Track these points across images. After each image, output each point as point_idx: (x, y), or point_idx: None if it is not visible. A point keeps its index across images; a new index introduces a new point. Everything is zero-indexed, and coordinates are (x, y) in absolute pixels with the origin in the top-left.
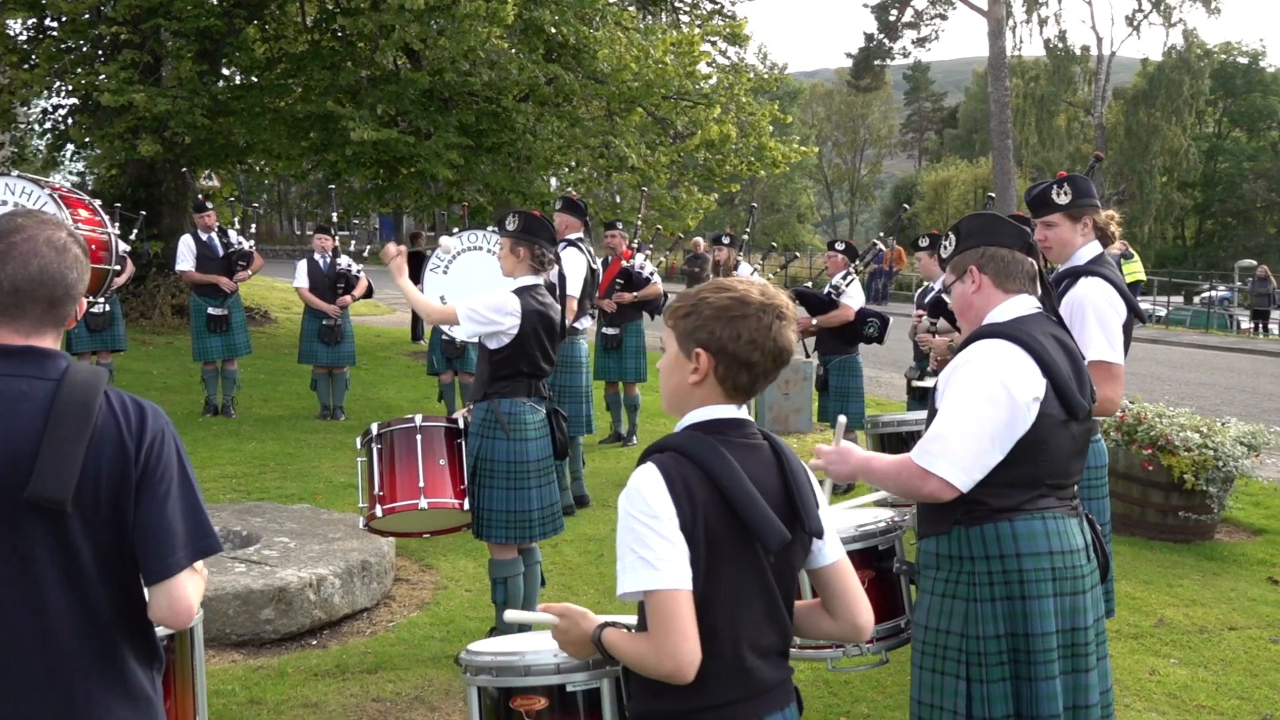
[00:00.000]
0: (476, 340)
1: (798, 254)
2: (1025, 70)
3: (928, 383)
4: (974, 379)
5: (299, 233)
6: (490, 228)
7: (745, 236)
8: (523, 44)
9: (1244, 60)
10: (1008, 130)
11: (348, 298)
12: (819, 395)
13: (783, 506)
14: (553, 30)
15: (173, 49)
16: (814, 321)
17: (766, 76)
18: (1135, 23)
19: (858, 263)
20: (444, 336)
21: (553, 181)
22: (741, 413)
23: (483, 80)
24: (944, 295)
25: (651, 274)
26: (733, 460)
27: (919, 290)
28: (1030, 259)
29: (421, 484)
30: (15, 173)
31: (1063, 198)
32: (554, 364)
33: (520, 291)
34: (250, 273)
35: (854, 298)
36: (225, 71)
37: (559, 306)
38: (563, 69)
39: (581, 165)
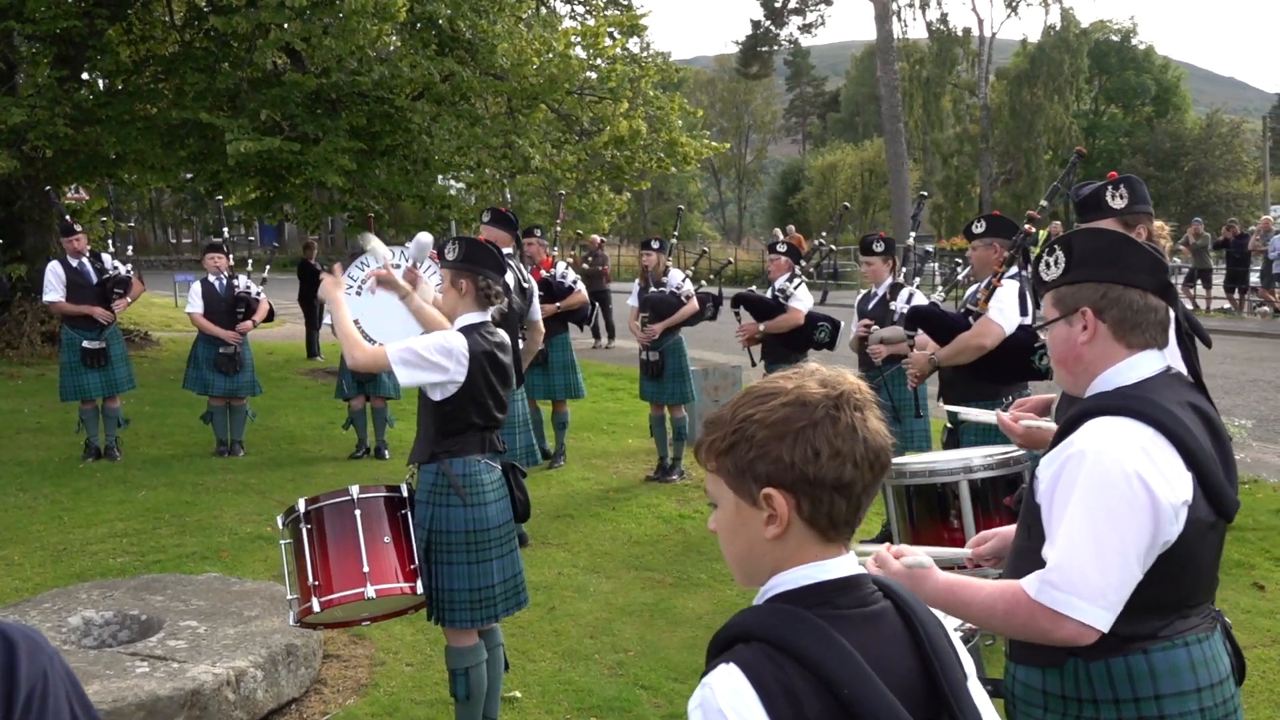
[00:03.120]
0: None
1: (706, 249)
2: (910, 53)
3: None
4: (1102, 478)
5: (174, 241)
6: (405, 245)
7: (674, 240)
8: (414, 39)
9: (1116, 38)
10: (899, 114)
11: (248, 323)
12: None
13: (921, 698)
14: (447, 25)
15: (27, 54)
16: (760, 327)
17: (664, 67)
18: (1014, 3)
19: (803, 263)
20: None
21: (453, 185)
22: (850, 561)
23: (373, 79)
24: (907, 307)
25: (575, 282)
26: (852, 651)
27: (861, 296)
28: (1165, 304)
29: (365, 569)
30: None
31: (1118, 201)
32: (506, 410)
33: (467, 331)
34: (130, 300)
35: (802, 301)
36: (87, 77)
37: (509, 342)
38: (459, 65)
39: (483, 167)
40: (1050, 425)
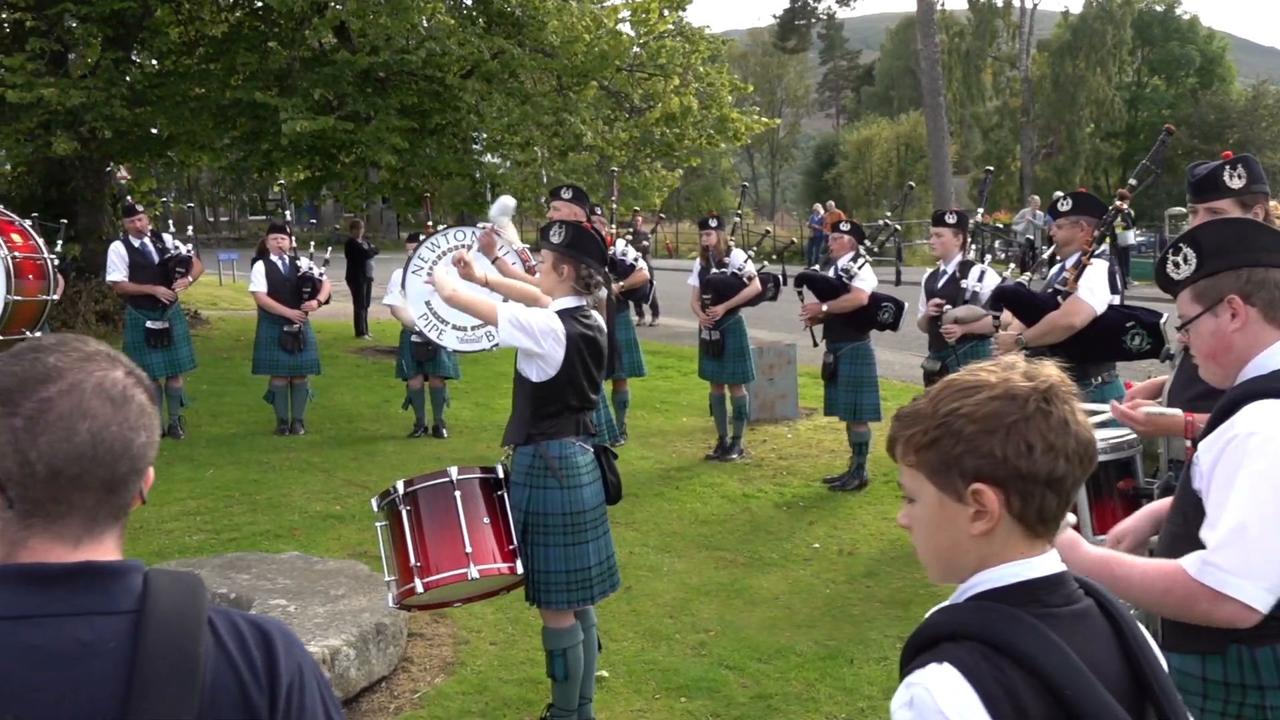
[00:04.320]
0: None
1: (770, 230)
2: (950, 25)
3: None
4: (1267, 460)
5: (211, 220)
6: (480, 224)
7: (737, 218)
8: (464, 17)
9: (1159, 8)
10: (939, 88)
11: (313, 303)
12: (826, 386)
13: (1131, 698)
14: (504, 5)
15: (81, 35)
16: (824, 308)
17: (713, 40)
18: None
19: (867, 242)
20: (414, 338)
21: (505, 164)
22: (1055, 559)
23: (421, 57)
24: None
25: (636, 260)
26: (1069, 650)
27: (928, 274)
28: None
29: (468, 549)
30: None
31: (1236, 181)
32: (599, 393)
33: (564, 314)
34: (191, 279)
35: (866, 281)
36: (138, 58)
37: (605, 327)
38: (508, 42)
39: (533, 144)
40: (1173, 412)
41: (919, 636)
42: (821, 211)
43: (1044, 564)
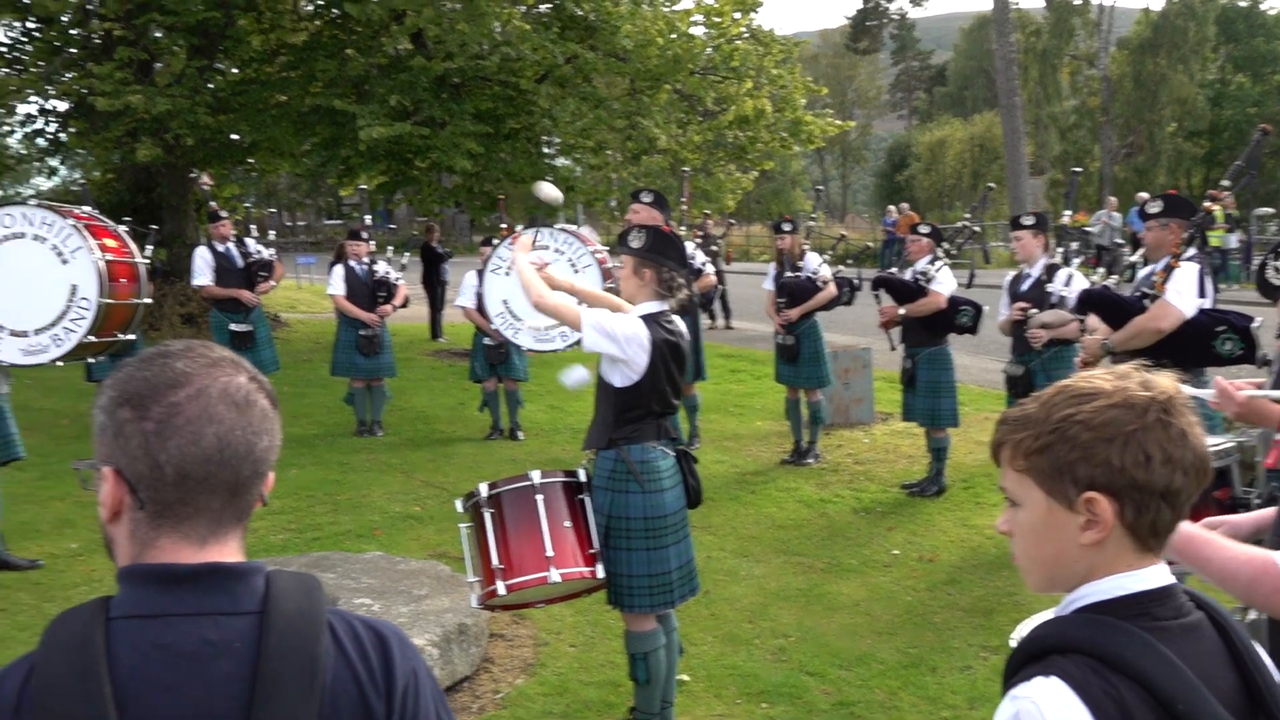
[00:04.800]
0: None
1: (845, 234)
2: (1025, 24)
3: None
4: None
5: (289, 224)
6: (557, 226)
7: (811, 221)
8: (538, 22)
9: (1244, 3)
10: (1015, 88)
11: (388, 307)
12: (904, 391)
13: (1243, 713)
14: (576, 10)
15: (166, 44)
16: (901, 311)
17: (785, 43)
18: None
19: (946, 244)
20: (487, 341)
21: (577, 168)
22: (1164, 571)
23: (495, 63)
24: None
25: (704, 264)
26: (1182, 665)
27: (1011, 277)
28: None
29: (549, 553)
30: (33, 200)
31: None
32: (681, 398)
33: (648, 319)
34: (273, 283)
35: (944, 284)
36: (220, 67)
37: (687, 333)
38: (581, 47)
39: (605, 148)
40: (1276, 394)
41: (1026, 648)
42: (895, 214)
43: (1153, 576)
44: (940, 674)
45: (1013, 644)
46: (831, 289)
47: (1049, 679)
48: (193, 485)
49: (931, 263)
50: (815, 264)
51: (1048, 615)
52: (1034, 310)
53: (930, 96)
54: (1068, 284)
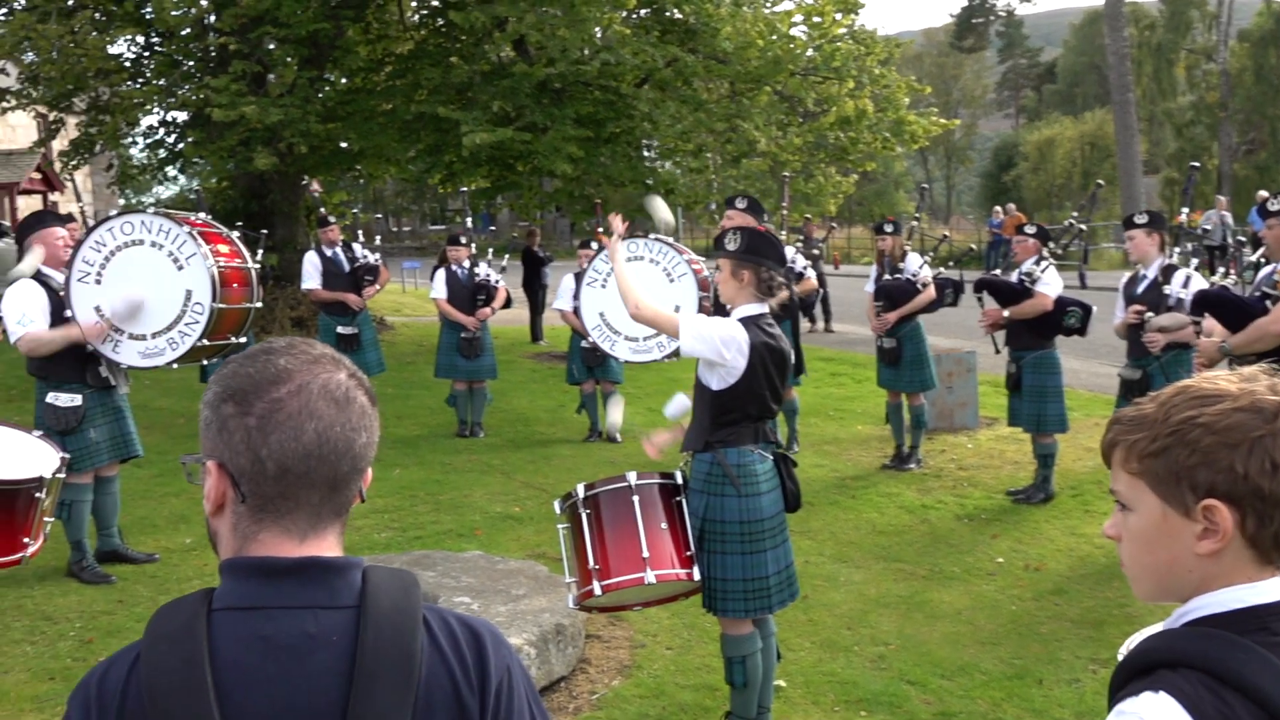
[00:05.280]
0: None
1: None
2: (1139, 18)
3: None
4: None
5: (395, 230)
6: (651, 235)
7: (914, 222)
8: (638, 26)
9: None
10: (1128, 84)
11: (488, 310)
12: (1009, 396)
13: None
14: (675, 13)
15: (279, 56)
16: (1005, 313)
17: (887, 43)
18: None
19: (1052, 245)
20: (584, 344)
21: (677, 171)
22: None
23: (596, 67)
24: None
25: (805, 268)
26: None
27: (1127, 279)
28: None
29: (645, 554)
30: (152, 208)
31: None
32: (781, 402)
33: (746, 322)
34: (378, 287)
35: (1050, 285)
36: (330, 77)
37: (784, 334)
38: (681, 50)
39: (705, 151)
40: None
41: (1134, 662)
42: (1001, 215)
43: (1272, 589)
44: (1046, 686)
45: (1120, 657)
46: (931, 291)
47: (1158, 694)
48: (293, 480)
49: (1037, 263)
50: (916, 266)
51: (1157, 628)
52: (1150, 313)
53: (1039, 94)
54: (1185, 285)
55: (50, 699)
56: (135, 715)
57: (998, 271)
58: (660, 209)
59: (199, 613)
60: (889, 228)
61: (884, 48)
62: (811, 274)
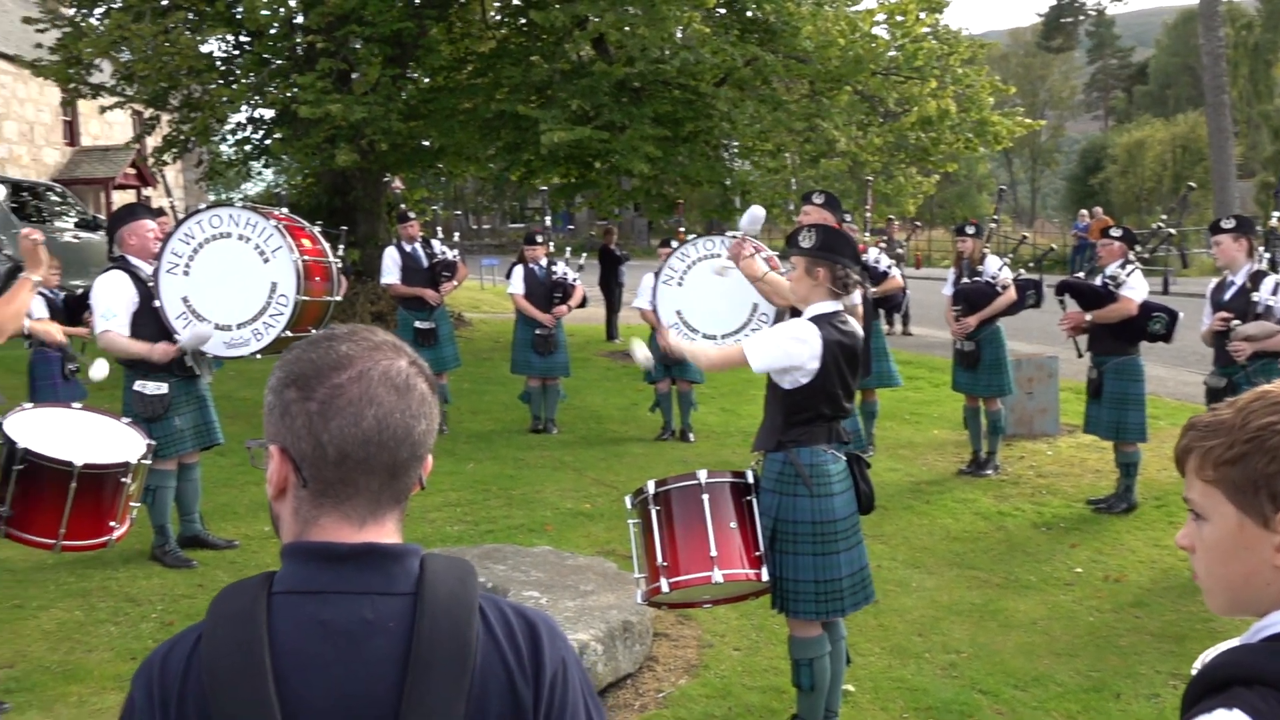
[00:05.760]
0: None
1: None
2: (1236, 17)
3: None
4: None
5: (475, 227)
6: (729, 233)
7: (993, 224)
8: (718, 25)
9: None
10: (1223, 84)
11: (564, 308)
12: (1088, 402)
13: None
14: (754, 12)
15: (364, 55)
16: (1088, 317)
17: (971, 43)
18: None
19: (1139, 248)
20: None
21: (755, 171)
22: None
23: (675, 66)
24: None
25: (889, 269)
26: None
27: (1214, 285)
28: None
29: (713, 553)
30: (240, 203)
31: None
32: (853, 400)
33: (818, 320)
34: (456, 283)
35: (1135, 289)
36: (413, 75)
37: (862, 332)
38: (761, 49)
39: (784, 151)
40: None
41: (1208, 677)
42: (1087, 218)
43: None
44: (1124, 700)
45: (1195, 672)
46: (1011, 293)
47: (1231, 712)
48: (353, 465)
49: (1123, 267)
50: (995, 268)
51: (1234, 643)
52: (1237, 321)
53: (1129, 95)
54: (1275, 293)
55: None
56: (196, 696)
57: (1081, 274)
58: (639, 352)
59: (259, 596)
60: (969, 230)
61: (968, 47)
62: (897, 273)
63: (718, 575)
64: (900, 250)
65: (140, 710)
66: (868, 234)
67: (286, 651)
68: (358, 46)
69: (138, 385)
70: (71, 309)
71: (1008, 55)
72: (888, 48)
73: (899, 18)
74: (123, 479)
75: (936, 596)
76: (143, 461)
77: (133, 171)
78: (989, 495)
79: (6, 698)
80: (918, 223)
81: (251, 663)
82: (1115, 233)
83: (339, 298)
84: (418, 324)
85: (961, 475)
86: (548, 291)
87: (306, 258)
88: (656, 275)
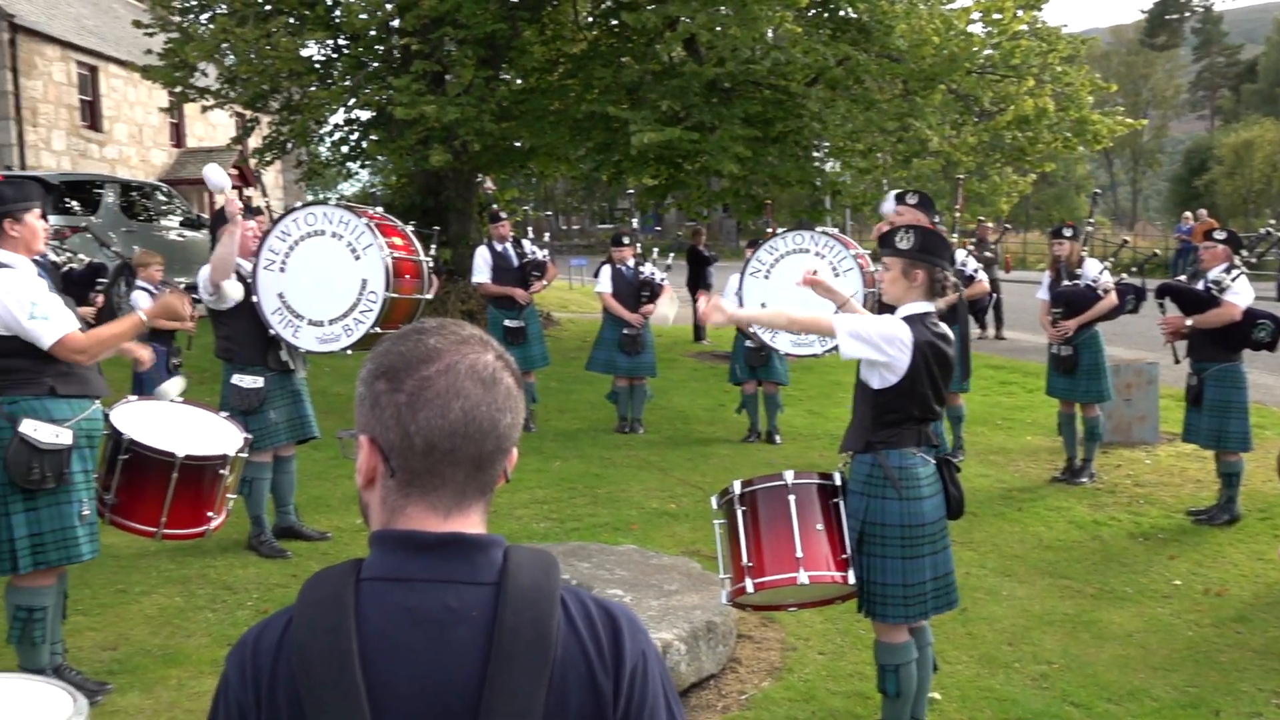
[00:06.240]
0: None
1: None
2: None
3: None
4: None
5: (565, 228)
6: (819, 229)
7: (1090, 227)
8: (810, 24)
9: None
10: None
11: (651, 306)
12: (1188, 410)
13: None
14: (847, 11)
15: (458, 56)
16: (1188, 322)
17: (1071, 40)
18: None
19: (1244, 252)
20: (748, 344)
21: (845, 172)
22: None
23: (766, 67)
24: None
25: (975, 271)
26: None
27: None
28: None
29: (799, 554)
30: (334, 200)
31: None
32: (945, 404)
33: (911, 319)
34: (545, 283)
35: (1240, 295)
36: (506, 77)
37: (952, 334)
38: (853, 48)
39: (875, 151)
40: None
41: None
42: (1190, 220)
43: None
44: (1224, 718)
45: None
46: (1112, 298)
47: None
48: (439, 456)
49: (1227, 271)
50: (1095, 271)
51: None
52: None
53: (1236, 94)
54: None
55: None
56: (286, 677)
57: (1183, 278)
58: (665, 306)
59: (347, 582)
60: (1067, 232)
61: (1068, 45)
62: (983, 277)
63: (803, 576)
64: (990, 253)
65: (234, 688)
66: (955, 234)
67: (373, 636)
68: (452, 49)
69: (235, 379)
70: None
71: (1109, 53)
72: (984, 46)
73: (996, 15)
74: (221, 471)
75: (1027, 606)
76: (240, 454)
77: (234, 172)
78: (1084, 504)
79: (109, 679)
80: (1008, 225)
81: (339, 646)
82: (1219, 235)
83: (429, 296)
84: (507, 322)
85: (1055, 482)
86: (635, 291)
87: (396, 255)
88: (742, 271)
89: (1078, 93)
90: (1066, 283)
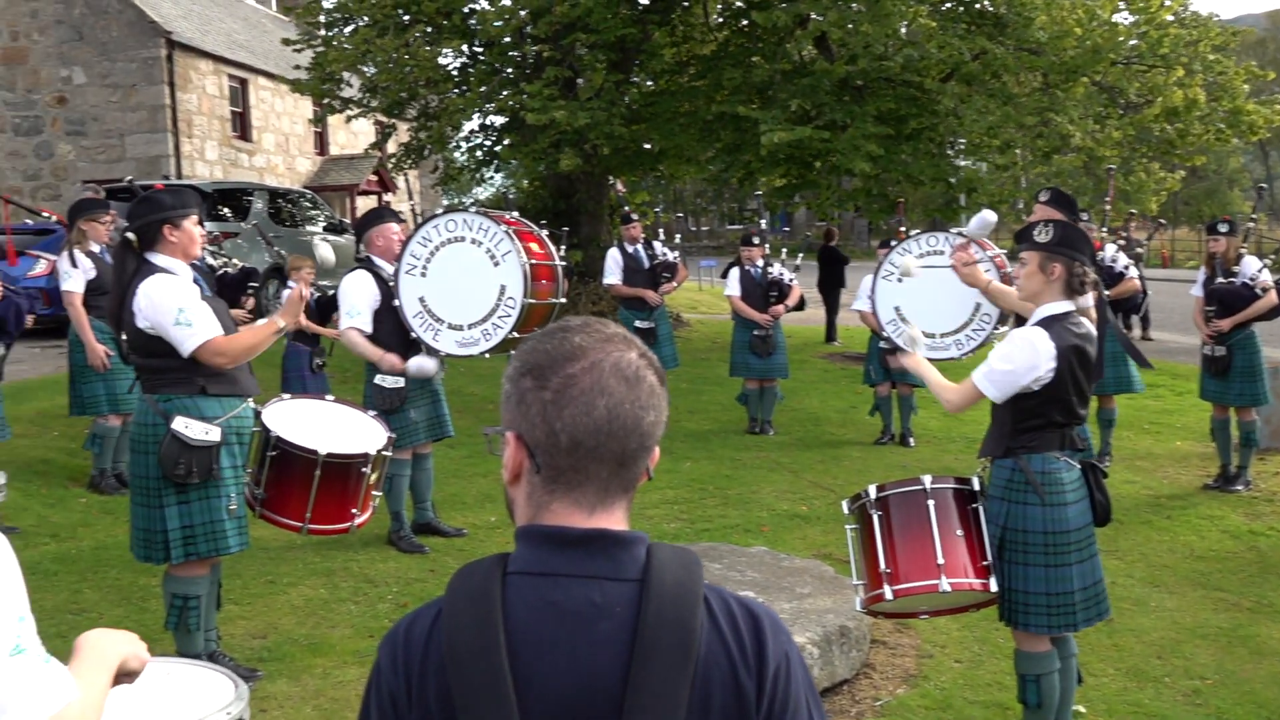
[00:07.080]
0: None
1: None
2: None
3: None
4: None
5: (694, 229)
6: (954, 230)
7: (1251, 223)
8: (944, 19)
9: None
10: None
11: (780, 307)
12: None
13: None
14: (984, 3)
15: (589, 61)
16: None
17: (1224, 28)
18: None
19: None
20: (883, 345)
21: (982, 168)
22: None
23: (900, 63)
24: None
25: (1125, 268)
26: None
27: None
28: None
29: (940, 560)
30: (473, 208)
31: None
32: (1088, 406)
33: (1049, 323)
34: (676, 284)
35: None
36: (635, 80)
37: (1094, 333)
38: (990, 41)
39: (1013, 147)
40: None
41: None
42: None
43: None
44: None
45: None
46: (1272, 297)
47: None
48: (584, 453)
49: None
50: (1254, 269)
51: None
52: None
53: None
54: None
55: (370, 655)
56: (436, 667)
57: None
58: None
59: (495, 575)
60: (1223, 228)
61: (1219, 34)
62: (1134, 274)
63: (944, 584)
64: (1140, 250)
65: (386, 676)
66: (1104, 230)
67: (520, 629)
68: (583, 53)
69: (377, 379)
70: (323, 309)
71: (1265, 40)
72: (1129, 36)
73: (1141, 3)
74: (363, 469)
75: (1178, 618)
76: (383, 453)
77: (374, 178)
78: (1239, 512)
79: (259, 666)
80: (1162, 220)
81: (487, 639)
82: None
83: (563, 299)
84: (638, 324)
85: (1208, 490)
86: (764, 292)
87: (534, 261)
88: (875, 274)
89: (1231, 81)
90: (1221, 280)
